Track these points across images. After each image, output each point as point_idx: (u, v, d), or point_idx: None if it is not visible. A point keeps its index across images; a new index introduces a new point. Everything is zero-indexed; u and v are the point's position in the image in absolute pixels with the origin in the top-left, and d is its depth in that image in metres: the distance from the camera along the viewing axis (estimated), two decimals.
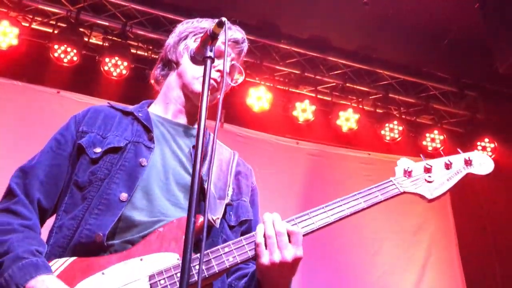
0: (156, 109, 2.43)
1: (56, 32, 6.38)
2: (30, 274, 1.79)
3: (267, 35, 6.85)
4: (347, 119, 7.18)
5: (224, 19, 1.89)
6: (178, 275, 1.71)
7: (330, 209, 2.02)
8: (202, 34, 2.02)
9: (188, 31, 2.45)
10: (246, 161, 2.54)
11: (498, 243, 7.20)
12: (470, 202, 7.23)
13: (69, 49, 6.20)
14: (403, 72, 7.45)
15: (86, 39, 6.49)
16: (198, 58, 1.95)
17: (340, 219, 2.02)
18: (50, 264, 1.89)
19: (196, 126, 1.75)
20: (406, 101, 7.66)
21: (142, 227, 1.99)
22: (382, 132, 7.31)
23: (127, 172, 2.09)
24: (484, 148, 7.30)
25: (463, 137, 7.61)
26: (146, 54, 6.81)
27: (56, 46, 6.18)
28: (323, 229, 2.00)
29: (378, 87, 7.51)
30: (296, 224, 1.97)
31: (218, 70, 2.30)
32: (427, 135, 7.38)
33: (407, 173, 2.17)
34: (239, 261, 1.90)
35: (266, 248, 1.89)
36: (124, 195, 2.02)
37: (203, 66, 1.91)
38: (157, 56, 6.57)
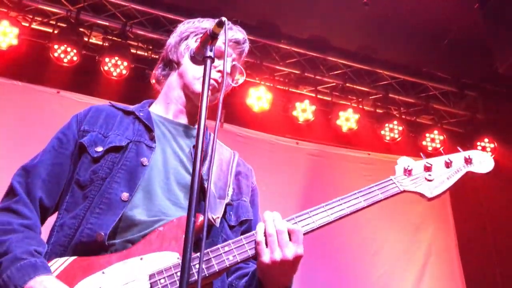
0: (157, 108, 2.43)
1: (56, 32, 6.38)
2: (28, 275, 1.79)
3: (267, 35, 6.85)
4: (347, 119, 7.17)
5: (224, 18, 1.89)
6: (178, 274, 1.71)
7: (330, 208, 2.02)
8: (203, 34, 2.02)
9: (189, 31, 2.44)
10: (246, 161, 2.54)
11: (498, 243, 7.20)
12: (469, 202, 7.23)
13: (69, 49, 6.20)
14: (403, 72, 7.45)
15: (86, 39, 6.50)
16: (198, 58, 1.95)
17: (340, 218, 2.01)
18: (51, 263, 1.89)
19: (196, 126, 1.75)
20: (406, 101, 7.66)
21: (142, 226, 2.00)
22: (382, 132, 7.31)
23: (128, 172, 2.09)
24: (484, 148, 7.29)
25: (463, 137, 7.61)
26: (146, 54, 6.81)
27: (56, 46, 6.18)
28: (323, 228, 2.00)
29: (378, 87, 7.51)
30: (296, 223, 1.97)
31: (219, 71, 2.30)
32: (427, 135, 7.38)
33: (407, 172, 2.16)
34: (239, 260, 1.90)
35: (267, 246, 1.89)
36: (125, 195, 2.02)
37: (203, 66, 1.91)
38: (157, 56, 6.64)
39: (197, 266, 1.78)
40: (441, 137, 7.32)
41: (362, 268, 6.65)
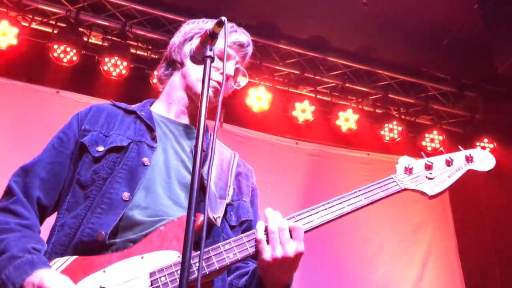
0: (158, 108, 2.43)
1: (55, 32, 6.39)
2: (26, 272, 1.79)
3: (267, 36, 6.85)
4: (347, 119, 7.18)
5: (224, 18, 1.88)
6: (179, 272, 1.70)
7: (331, 206, 2.02)
8: (203, 34, 2.02)
9: (194, 32, 2.43)
10: (246, 161, 2.54)
11: (497, 243, 7.21)
12: (469, 202, 7.24)
13: (68, 49, 6.20)
14: (403, 72, 7.45)
15: (85, 39, 6.50)
16: (198, 57, 1.94)
17: (341, 216, 2.01)
18: (52, 263, 1.89)
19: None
20: (405, 101, 7.66)
21: (143, 226, 1.99)
22: (382, 132, 7.32)
23: (129, 172, 2.09)
24: (483, 149, 7.27)
25: (462, 138, 7.62)
26: (145, 54, 6.81)
27: (55, 46, 6.18)
28: (323, 226, 2.00)
29: (377, 88, 7.52)
30: (297, 221, 1.97)
31: (222, 73, 2.30)
32: (427, 135, 7.39)
33: (408, 170, 2.17)
34: (239, 258, 1.90)
35: (268, 244, 1.89)
36: (126, 195, 2.02)
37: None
38: (156, 56, 6.65)
39: (197, 264, 1.77)
40: (441, 138, 7.33)
41: (361, 267, 6.65)
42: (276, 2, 6.46)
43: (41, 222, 2.12)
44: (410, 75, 7.49)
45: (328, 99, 7.42)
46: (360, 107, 7.45)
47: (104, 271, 1.84)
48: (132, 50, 6.66)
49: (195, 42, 2.37)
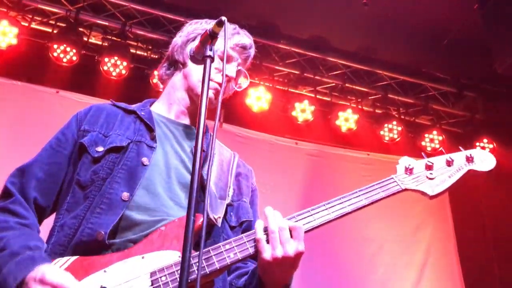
0: (159, 108, 2.43)
1: (55, 31, 6.38)
2: (27, 268, 1.79)
3: (267, 36, 6.85)
4: (346, 120, 7.18)
5: (224, 18, 1.89)
6: (179, 271, 1.71)
7: (331, 206, 2.02)
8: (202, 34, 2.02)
9: (197, 33, 2.41)
10: (245, 161, 2.54)
11: (497, 243, 7.21)
12: (468, 203, 7.24)
13: (68, 49, 6.20)
14: (403, 72, 7.45)
15: (85, 39, 6.49)
16: (198, 57, 1.94)
17: (342, 216, 2.01)
18: (52, 263, 1.88)
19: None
20: (405, 101, 7.67)
21: (144, 226, 2.00)
22: (381, 132, 7.32)
23: (129, 172, 2.09)
24: (483, 149, 7.28)
25: (462, 138, 7.62)
26: (145, 54, 6.81)
27: (55, 46, 6.18)
28: (323, 226, 2.00)
29: (377, 88, 7.52)
30: (297, 221, 1.97)
31: (222, 73, 2.29)
32: (426, 135, 7.39)
33: (409, 171, 2.17)
34: (240, 258, 1.90)
35: (268, 243, 1.89)
36: (125, 195, 2.02)
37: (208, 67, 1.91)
38: (156, 56, 6.65)
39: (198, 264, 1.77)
40: (440, 138, 7.34)
41: (361, 268, 6.66)
42: (276, 2, 6.46)
43: (39, 223, 2.12)
44: (410, 75, 7.49)
45: (328, 99, 7.42)
46: (359, 107, 7.45)
47: (104, 271, 1.84)
48: (132, 50, 6.66)
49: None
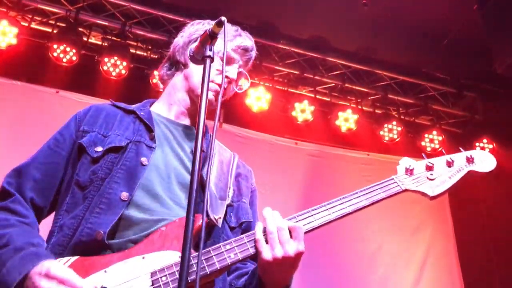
0: (158, 108, 2.43)
1: (55, 31, 6.38)
2: (32, 262, 1.80)
3: (267, 36, 6.85)
4: (346, 120, 7.18)
5: (223, 18, 1.88)
6: None
7: (332, 207, 2.03)
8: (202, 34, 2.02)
9: (199, 34, 2.38)
10: (245, 161, 2.54)
11: (497, 244, 7.21)
12: (468, 203, 7.24)
13: (68, 49, 6.19)
14: (402, 72, 7.45)
15: (85, 39, 6.49)
16: (198, 57, 1.94)
17: (342, 217, 2.02)
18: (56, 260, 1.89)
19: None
20: (405, 101, 7.67)
21: (144, 225, 1.99)
22: (381, 132, 7.32)
23: (128, 172, 2.09)
24: (482, 149, 7.28)
25: (462, 138, 7.62)
26: (145, 54, 6.81)
27: (55, 46, 6.18)
28: (324, 226, 2.00)
29: (377, 88, 7.52)
30: (298, 221, 1.97)
31: (226, 76, 2.30)
32: (426, 135, 7.39)
33: (409, 171, 2.17)
34: (240, 258, 1.90)
35: (267, 244, 1.89)
36: (125, 194, 2.02)
37: (208, 68, 1.91)
38: (156, 56, 6.65)
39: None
40: (440, 138, 7.33)
41: (361, 268, 6.66)
42: (276, 2, 6.46)
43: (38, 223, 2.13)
44: (409, 75, 7.49)
45: (328, 99, 7.42)
46: (359, 107, 7.45)
47: (105, 271, 1.83)
48: (132, 50, 6.65)
49: None
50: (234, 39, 2.38)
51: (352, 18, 6.48)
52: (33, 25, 6.43)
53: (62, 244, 1.97)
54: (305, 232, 1.94)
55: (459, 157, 2.22)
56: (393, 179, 2.15)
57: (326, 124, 7.28)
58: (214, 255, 1.88)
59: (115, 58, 6.33)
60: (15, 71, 6.07)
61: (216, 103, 2.29)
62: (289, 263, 1.90)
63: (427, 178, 2.16)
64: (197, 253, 1.75)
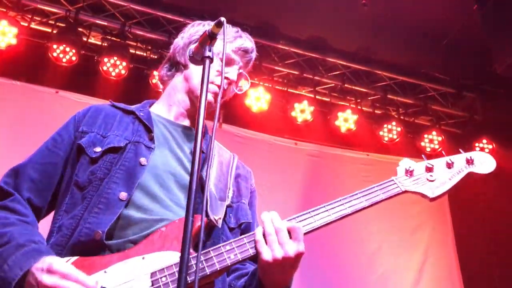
0: (158, 109, 2.43)
1: (55, 32, 6.38)
2: (34, 258, 1.80)
3: (266, 36, 6.85)
4: (346, 120, 7.17)
5: (223, 19, 1.89)
6: None
7: (332, 208, 2.03)
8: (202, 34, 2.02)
9: (199, 35, 2.40)
10: (245, 161, 2.54)
11: (496, 244, 7.21)
12: (467, 203, 7.23)
13: (68, 49, 6.19)
14: (402, 73, 7.45)
15: (85, 39, 6.48)
16: (197, 58, 1.94)
17: (342, 218, 2.02)
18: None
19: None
20: (404, 102, 7.67)
21: (143, 225, 1.99)
22: (381, 133, 7.32)
23: (127, 172, 2.09)
24: (482, 149, 7.29)
25: (461, 138, 7.62)
26: (145, 54, 6.81)
27: (55, 46, 6.17)
28: (324, 227, 2.00)
29: (376, 88, 7.52)
30: (297, 222, 1.97)
31: (226, 78, 2.29)
32: (425, 136, 7.38)
33: (409, 173, 2.17)
34: (240, 259, 1.90)
35: (266, 244, 1.89)
36: (123, 194, 2.02)
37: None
38: (156, 56, 6.65)
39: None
40: (440, 138, 7.33)
41: (360, 269, 6.66)
42: (276, 2, 6.46)
43: None
44: (409, 75, 7.49)
45: (327, 99, 7.42)
46: (359, 107, 7.45)
47: (105, 272, 1.83)
48: (132, 50, 6.65)
49: None
50: (234, 41, 2.38)
51: (352, 18, 6.48)
52: (33, 25, 6.42)
53: (61, 244, 1.97)
54: (305, 233, 1.95)
55: (459, 159, 2.23)
56: (393, 180, 2.15)
57: (325, 125, 7.27)
58: (214, 255, 1.88)
59: (115, 58, 6.32)
60: (14, 71, 6.06)
61: (216, 104, 2.28)
62: (289, 264, 1.90)
63: (427, 179, 2.16)
64: (195, 254, 1.75)
